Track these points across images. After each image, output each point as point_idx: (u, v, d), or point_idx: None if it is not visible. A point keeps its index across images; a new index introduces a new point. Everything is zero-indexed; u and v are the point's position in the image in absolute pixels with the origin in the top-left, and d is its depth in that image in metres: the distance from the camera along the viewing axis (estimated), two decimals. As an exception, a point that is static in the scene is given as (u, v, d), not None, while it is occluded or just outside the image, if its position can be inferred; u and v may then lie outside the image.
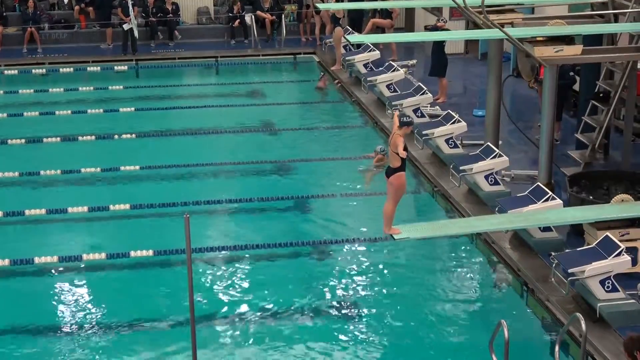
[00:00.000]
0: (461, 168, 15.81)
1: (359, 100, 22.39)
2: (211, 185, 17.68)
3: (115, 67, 26.55)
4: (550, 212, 13.07)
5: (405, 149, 12.23)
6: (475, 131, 18.49)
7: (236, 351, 11.89)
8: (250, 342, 12.08)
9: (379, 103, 21.53)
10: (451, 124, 17.48)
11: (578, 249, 12.47)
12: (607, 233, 12.15)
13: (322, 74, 24.92)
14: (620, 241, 11.99)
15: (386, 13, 26.49)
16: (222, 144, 20.13)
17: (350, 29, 25.17)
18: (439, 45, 21.82)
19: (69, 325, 12.60)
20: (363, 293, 13.55)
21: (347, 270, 14.21)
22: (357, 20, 27.31)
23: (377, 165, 17.95)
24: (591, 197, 14.45)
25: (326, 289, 13.59)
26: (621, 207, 12.92)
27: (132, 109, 22.59)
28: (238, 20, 28.69)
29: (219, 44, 28.72)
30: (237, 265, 14.42)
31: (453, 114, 17.77)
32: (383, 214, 12.48)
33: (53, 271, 14.17)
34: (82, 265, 14.29)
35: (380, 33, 26.35)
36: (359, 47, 24.02)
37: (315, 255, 14.72)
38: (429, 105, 20.03)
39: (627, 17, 16.29)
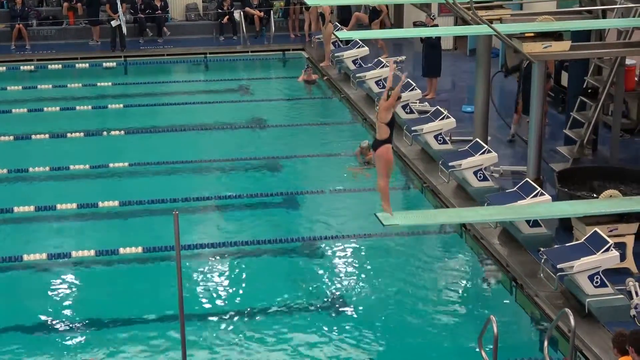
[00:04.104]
0: (450, 164, 15.82)
1: (348, 97, 22.40)
2: (200, 182, 17.67)
3: (104, 64, 26.50)
4: (539, 206, 13.11)
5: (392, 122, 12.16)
6: (464, 127, 18.51)
7: (225, 348, 11.87)
8: (240, 338, 12.06)
9: (368, 99, 21.54)
10: (440, 120, 17.51)
11: (567, 245, 12.52)
12: (596, 228, 12.19)
13: (306, 66, 24.91)
14: (609, 236, 12.04)
15: (374, 12, 26.49)
16: (211, 140, 20.10)
17: (340, 26, 25.17)
18: (431, 44, 21.81)
19: (57, 322, 12.57)
20: (352, 289, 13.56)
21: (337, 267, 14.23)
22: (347, 20, 27.43)
23: (368, 161, 17.97)
24: (579, 193, 14.49)
25: (315, 286, 13.60)
26: (610, 202, 12.97)
27: (121, 105, 22.56)
28: (227, 17, 28.67)
29: (208, 41, 28.69)
30: (226, 262, 14.42)
31: (442, 110, 17.80)
32: (379, 191, 12.45)
33: (42, 268, 14.14)
34: (71, 262, 14.26)
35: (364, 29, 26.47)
36: (348, 43, 24.03)
37: (304, 252, 14.73)
38: (417, 101, 20.05)
39: (615, 12, 16.34)
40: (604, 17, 16.55)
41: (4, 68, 26.13)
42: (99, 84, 24.53)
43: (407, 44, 27.40)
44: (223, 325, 12.43)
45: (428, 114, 18.22)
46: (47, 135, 19.89)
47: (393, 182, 16.94)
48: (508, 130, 18.82)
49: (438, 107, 18.13)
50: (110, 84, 24.59)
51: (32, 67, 26.38)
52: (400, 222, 12.46)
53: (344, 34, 20.87)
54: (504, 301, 13.25)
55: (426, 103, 20.49)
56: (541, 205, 13.18)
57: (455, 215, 13.87)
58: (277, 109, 22.62)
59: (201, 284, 13.66)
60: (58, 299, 13.31)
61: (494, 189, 15.25)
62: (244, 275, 14.01)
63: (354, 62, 23.12)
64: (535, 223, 13.47)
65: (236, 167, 18.42)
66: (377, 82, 21.00)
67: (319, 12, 25.51)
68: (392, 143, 12.50)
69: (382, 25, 26.78)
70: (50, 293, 13.49)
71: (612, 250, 11.70)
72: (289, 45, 28.23)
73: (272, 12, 28.77)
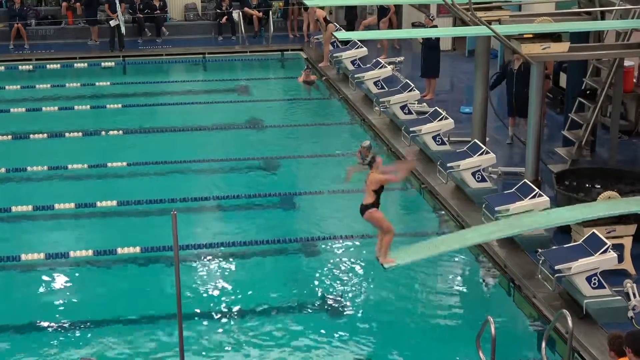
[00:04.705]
0: (448, 165, 15.82)
1: (346, 97, 22.39)
2: (198, 182, 17.67)
3: (103, 64, 26.47)
4: (538, 216, 13.08)
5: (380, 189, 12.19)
6: (462, 128, 18.53)
7: (223, 348, 11.88)
8: (237, 338, 12.07)
9: (367, 100, 21.54)
10: (438, 120, 17.51)
11: (565, 246, 12.52)
12: (594, 230, 12.20)
13: (306, 67, 24.91)
14: (607, 238, 12.05)
15: (382, 10, 26.50)
16: (210, 140, 20.10)
17: (339, 26, 25.18)
18: (430, 45, 21.82)
19: (55, 322, 12.56)
20: (350, 290, 13.56)
21: (334, 267, 14.22)
22: (353, 22, 27.46)
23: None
24: (578, 194, 14.49)
25: (313, 286, 13.60)
26: (608, 204, 12.95)
27: (119, 105, 22.54)
28: (226, 17, 28.65)
29: (207, 41, 28.68)
30: (224, 262, 14.42)
31: (440, 110, 17.79)
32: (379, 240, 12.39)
33: (39, 268, 14.13)
34: (69, 262, 14.26)
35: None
36: (347, 44, 24.02)
37: (302, 252, 14.74)
38: (416, 102, 20.05)
39: (613, 14, 16.33)
40: (603, 18, 16.55)
41: (3, 67, 26.10)
42: (97, 83, 24.51)
43: (405, 44, 27.41)
44: (221, 325, 12.44)
45: (426, 115, 18.21)
46: (45, 135, 19.88)
47: (392, 183, 16.99)
48: (506, 131, 18.83)
49: (436, 107, 18.13)
50: (108, 83, 24.57)
51: (31, 66, 26.36)
52: (400, 262, 12.38)
53: (342, 34, 20.86)
54: (502, 302, 13.25)
55: (424, 104, 20.48)
56: (541, 215, 13.14)
57: (457, 240, 13.61)
58: (276, 110, 22.62)
59: (199, 284, 13.66)
60: (56, 298, 13.30)
61: (492, 190, 15.26)
62: (242, 276, 14.01)
63: (353, 62, 23.11)
64: (533, 224, 13.47)
65: (235, 167, 18.42)
66: (375, 83, 20.99)
67: (315, 18, 25.56)
68: (378, 206, 12.34)
69: (390, 23, 26.81)
70: (48, 293, 13.50)
71: (610, 251, 11.70)
72: (288, 46, 28.23)
73: (270, 13, 28.77)
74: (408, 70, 24.17)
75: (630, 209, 12.77)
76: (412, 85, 19.68)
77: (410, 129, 17.81)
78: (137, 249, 14.44)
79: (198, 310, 12.76)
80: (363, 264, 14.32)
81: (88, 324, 12.48)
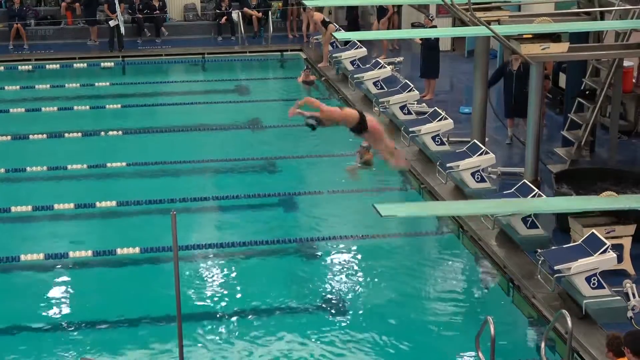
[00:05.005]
0: (448, 165, 15.83)
1: (346, 98, 22.38)
2: (198, 182, 17.66)
3: (102, 64, 26.45)
4: (537, 201, 13.11)
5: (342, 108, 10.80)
6: (461, 128, 18.53)
7: (222, 349, 11.88)
8: (237, 339, 12.07)
9: (366, 100, 21.53)
10: (438, 121, 17.52)
11: (564, 246, 12.53)
12: (593, 230, 12.20)
13: (305, 67, 24.92)
14: (606, 238, 12.05)
15: (381, 11, 26.50)
16: (209, 140, 20.09)
17: (338, 27, 25.19)
18: (430, 46, 21.82)
19: (54, 322, 12.57)
20: (350, 290, 13.56)
21: (334, 268, 14.23)
22: (354, 21, 27.56)
23: (366, 161, 17.90)
24: (577, 194, 14.49)
25: (313, 287, 13.60)
26: (607, 201, 12.95)
27: (119, 105, 22.53)
28: (225, 17, 28.66)
29: (206, 41, 28.67)
30: (223, 262, 14.42)
31: (440, 111, 17.80)
32: (383, 154, 10.77)
33: (39, 268, 14.12)
34: (68, 263, 14.25)
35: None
36: (346, 44, 24.03)
37: (302, 253, 14.73)
38: (415, 102, 20.04)
39: (613, 14, 16.34)
40: (602, 18, 16.55)
41: (2, 68, 26.08)
42: (96, 84, 24.50)
43: (404, 45, 27.40)
44: (221, 326, 12.44)
45: (426, 115, 18.22)
46: (44, 135, 19.86)
47: (391, 183, 17.05)
48: (506, 131, 18.84)
49: (436, 108, 18.13)
50: (108, 84, 24.56)
51: (30, 66, 26.34)
52: (398, 213, 12.40)
53: (341, 34, 20.86)
54: (501, 302, 13.25)
55: (424, 104, 20.46)
56: (539, 200, 13.19)
57: (453, 207, 13.83)
58: (275, 110, 22.59)
59: (199, 284, 13.65)
60: (55, 299, 13.31)
61: (492, 190, 15.27)
62: (241, 276, 14.00)
63: (352, 62, 23.11)
64: (532, 224, 13.46)
65: (234, 167, 18.41)
66: (374, 83, 20.99)
67: (314, 22, 25.56)
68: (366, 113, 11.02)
69: (391, 24, 26.80)
70: (47, 293, 13.48)
71: (609, 251, 11.71)
72: (287, 46, 28.22)
73: (270, 13, 28.77)
74: (407, 70, 24.15)
75: (630, 204, 12.75)
76: (412, 85, 19.68)
77: (410, 129, 17.83)
78: (137, 250, 14.43)
79: (198, 311, 12.75)
80: (363, 264, 14.33)
81: (88, 324, 12.47)
